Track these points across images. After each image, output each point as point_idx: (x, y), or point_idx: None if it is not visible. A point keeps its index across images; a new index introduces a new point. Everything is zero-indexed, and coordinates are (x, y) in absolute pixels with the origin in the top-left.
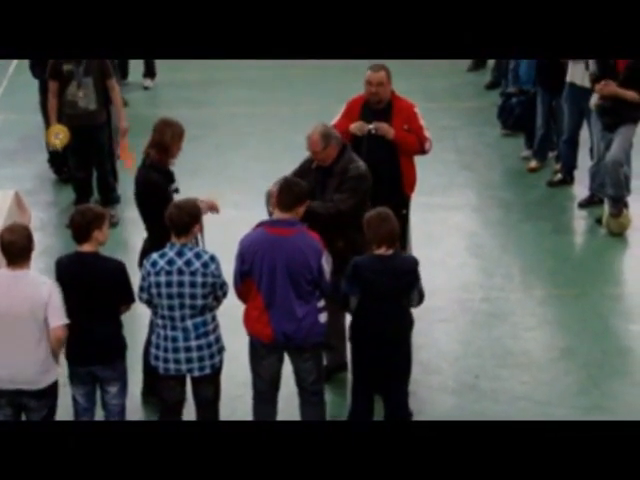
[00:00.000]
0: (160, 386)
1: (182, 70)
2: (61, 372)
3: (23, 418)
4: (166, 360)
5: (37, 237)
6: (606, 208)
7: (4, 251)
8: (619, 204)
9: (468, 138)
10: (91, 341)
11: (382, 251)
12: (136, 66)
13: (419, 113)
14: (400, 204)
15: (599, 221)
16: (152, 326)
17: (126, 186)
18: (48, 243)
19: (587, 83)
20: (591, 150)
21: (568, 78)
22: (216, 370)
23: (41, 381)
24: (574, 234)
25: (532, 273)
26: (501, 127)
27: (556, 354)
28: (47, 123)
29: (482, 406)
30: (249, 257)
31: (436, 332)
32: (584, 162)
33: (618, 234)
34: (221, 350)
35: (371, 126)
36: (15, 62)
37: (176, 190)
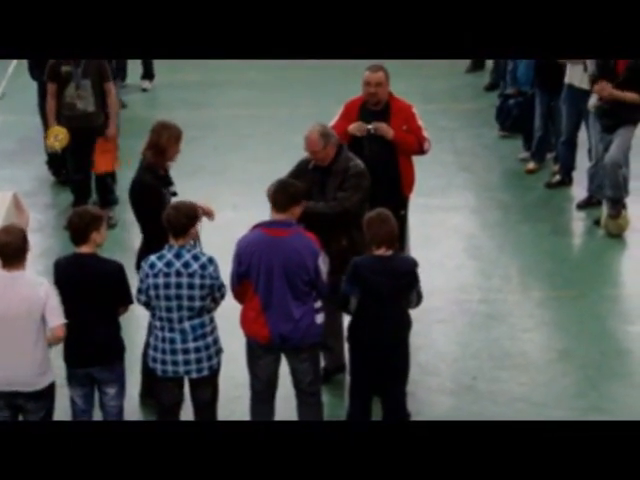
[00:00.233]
0: (158, 388)
1: (181, 72)
2: (59, 374)
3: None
4: (164, 362)
5: (35, 239)
6: (604, 209)
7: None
8: (618, 205)
9: (466, 140)
10: (89, 342)
11: (381, 252)
12: (134, 68)
13: (417, 114)
14: (398, 205)
15: (597, 222)
16: (150, 328)
17: (124, 188)
18: (46, 245)
19: (585, 85)
20: (589, 151)
21: (566, 79)
22: (214, 372)
23: (38, 383)
24: (572, 235)
25: (530, 274)
26: (499, 129)
27: (554, 355)
28: (46, 125)
29: (480, 407)
30: (246, 258)
31: (434, 333)
32: (582, 163)
33: (616, 235)
34: (219, 352)
35: (370, 126)
36: (14, 64)
37: (174, 193)
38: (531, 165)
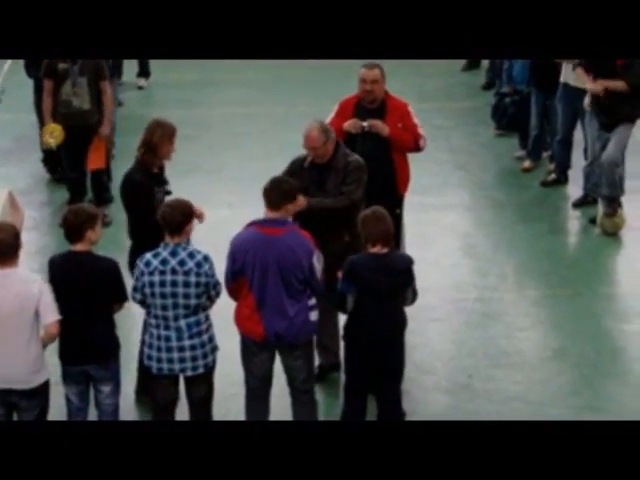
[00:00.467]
0: (153, 386)
1: (176, 70)
2: (54, 371)
3: (15, 418)
4: (159, 360)
5: (31, 237)
6: (600, 208)
7: None
8: (614, 204)
9: (462, 138)
10: (84, 340)
11: (377, 250)
12: (130, 66)
13: (412, 111)
14: (394, 203)
15: (593, 221)
16: (145, 326)
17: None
18: (42, 242)
19: (581, 83)
20: (585, 150)
21: (562, 78)
22: (209, 369)
23: (32, 380)
24: (568, 234)
25: (526, 273)
26: (495, 127)
27: (549, 354)
28: (41, 122)
29: (475, 406)
30: (240, 256)
31: (430, 332)
32: (578, 162)
33: (612, 234)
34: (214, 349)
35: (365, 123)
36: (9, 62)
37: (168, 192)
38: (527, 164)
